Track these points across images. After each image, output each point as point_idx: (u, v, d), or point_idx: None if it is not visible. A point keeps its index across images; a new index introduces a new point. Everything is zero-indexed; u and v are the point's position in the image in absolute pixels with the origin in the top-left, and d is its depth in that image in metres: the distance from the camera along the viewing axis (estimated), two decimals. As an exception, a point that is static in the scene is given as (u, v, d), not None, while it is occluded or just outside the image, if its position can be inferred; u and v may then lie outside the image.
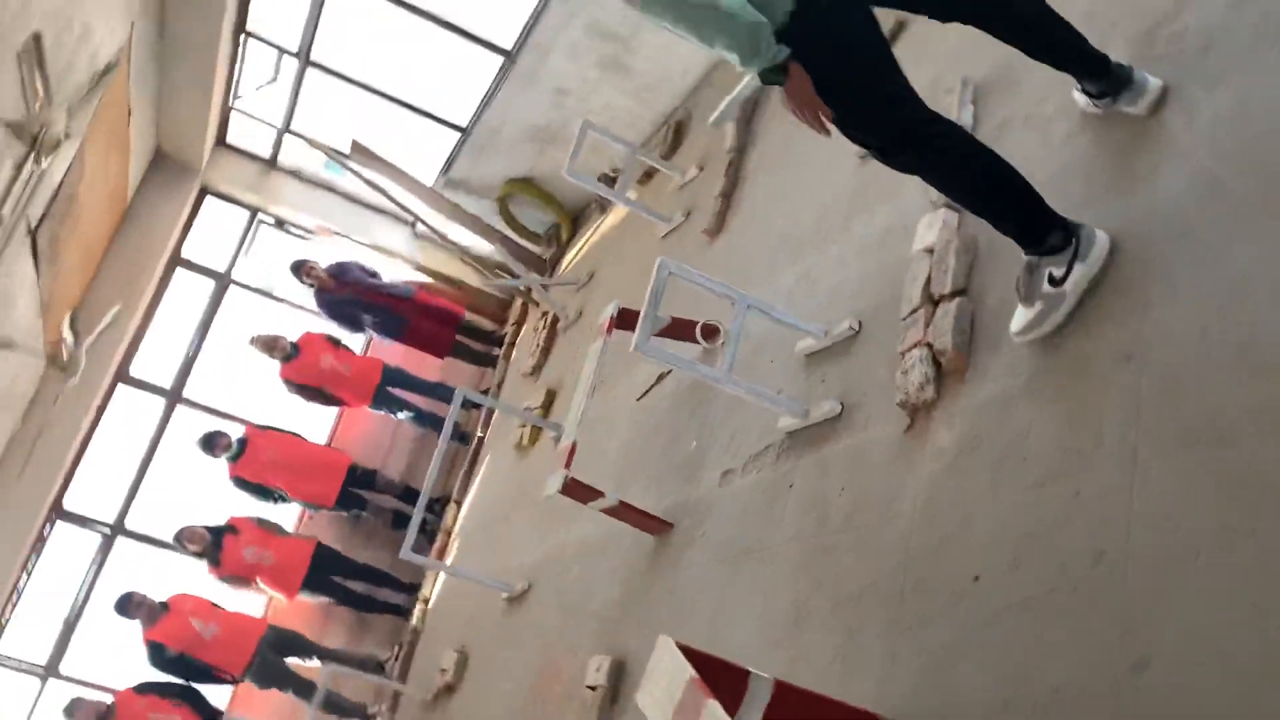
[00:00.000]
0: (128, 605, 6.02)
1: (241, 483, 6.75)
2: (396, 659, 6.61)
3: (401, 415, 7.35)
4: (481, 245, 7.79)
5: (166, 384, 7.56)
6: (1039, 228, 2.14)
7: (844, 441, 2.78)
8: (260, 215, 8.17)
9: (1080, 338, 2.11)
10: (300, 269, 7.25)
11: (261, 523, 6.64)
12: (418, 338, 7.50)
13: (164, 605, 6.10)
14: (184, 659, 6.04)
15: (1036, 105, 2.63)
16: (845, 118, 2.08)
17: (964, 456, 2.27)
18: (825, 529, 2.69)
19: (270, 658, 6.23)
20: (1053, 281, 2.15)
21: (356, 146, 6.96)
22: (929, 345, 2.50)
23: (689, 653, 2.08)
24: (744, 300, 2.99)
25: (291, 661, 6.36)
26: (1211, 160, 2.01)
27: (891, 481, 2.49)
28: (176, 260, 7.75)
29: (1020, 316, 2.23)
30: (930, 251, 2.67)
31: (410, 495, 6.96)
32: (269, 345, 6.99)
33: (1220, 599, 1.58)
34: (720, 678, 1.99)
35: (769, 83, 2.06)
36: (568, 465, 3.61)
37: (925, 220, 2.76)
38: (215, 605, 6.33)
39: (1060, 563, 1.88)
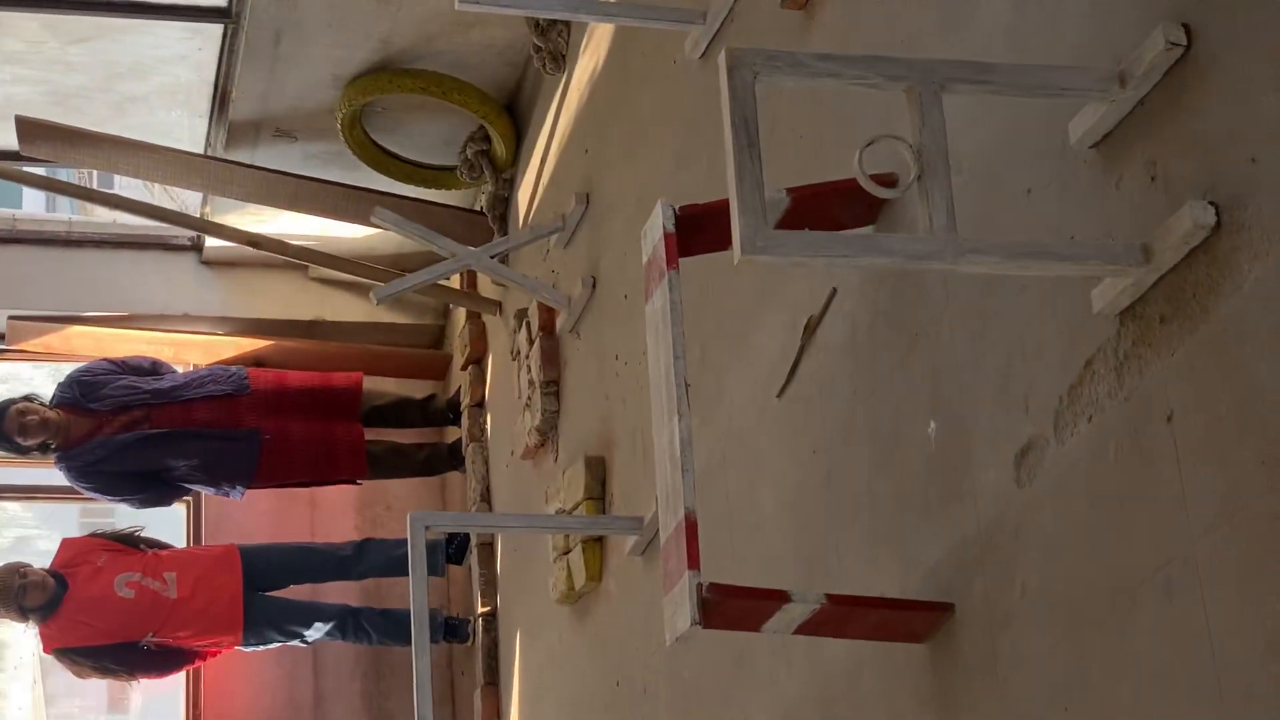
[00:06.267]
0: None
1: None
2: None
3: (313, 635, 7.49)
4: (346, 231, 7.80)
5: None
6: None
7: (1250, 278, 2.69)
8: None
9: None
10: (6, 427, 7.30)
11: None
12: (290, 462, 7.60)
13: None
14: None
15: None
16: None
17: None
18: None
19: None
20: None
21: (26, 126, 6.97)
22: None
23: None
24: (930, 74, 2.92)
25: None
26: None
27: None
28: None
29: None
30: None
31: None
32: (6, 594, 7.11)
33: None
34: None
35: None
36: (693, 562, 3.53)
37: None
38: None
39: None
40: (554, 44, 6.71)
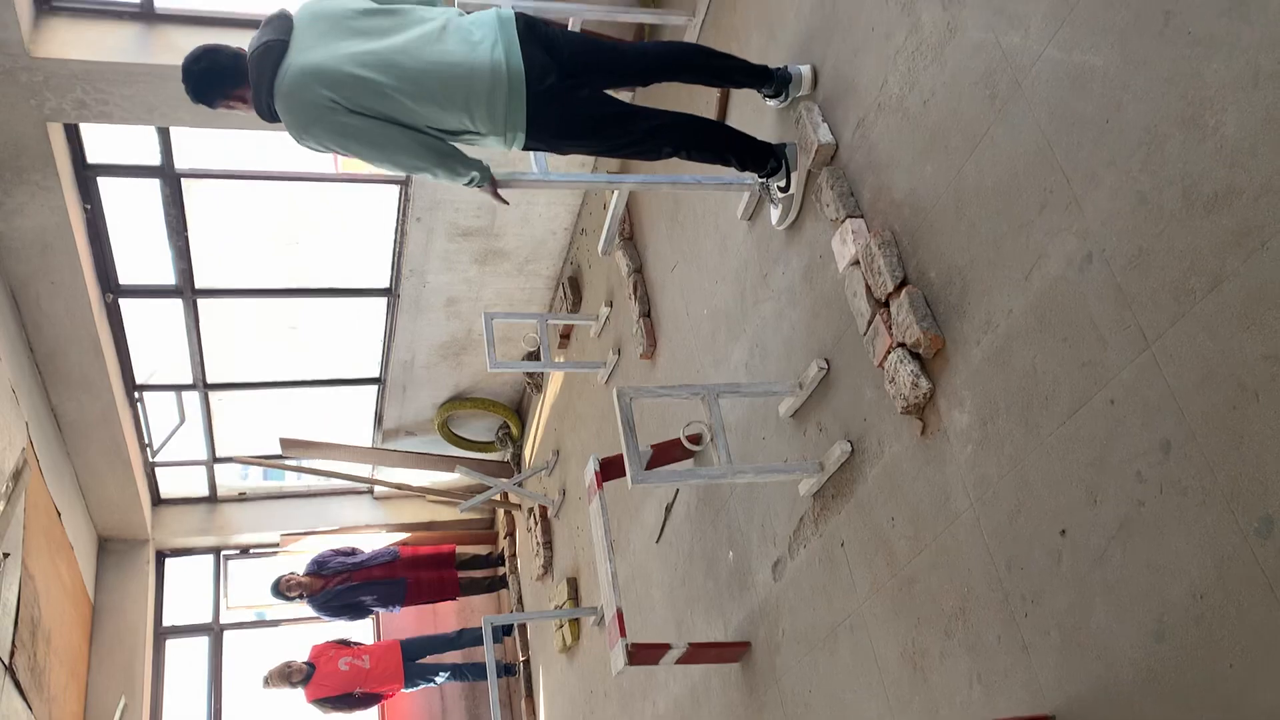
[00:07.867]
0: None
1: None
2: None
3: (440, 679, 7.23)
4: (442, 477, 7.72)
5: (201, 756, 7.19)
6: (760, 159, 3.05)
7: (870, 475, 2.70)
8: (223, 553, 7.97)
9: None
10: (279, 588, 7.11)
11: None
12: (421, 593, 7.38)
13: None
14: None
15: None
16: (610, 153, 2.93)
17: (990, 425, 2.21)
18: (897, 564, 2.58)
19: None
20: (781, 190, 3.11)
21: (285, 443, 6.90)
22: (901, 344, 2.47)
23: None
24: (711, 390, 2.94)
25: None
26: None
27: (935, 486, 2.41)
28: (161, 633, 7.46)
29: (774, 215, 3.19)
30: (857, 263, 2.67)
31: (486, 754, 6.84)
32: (283, 675, 6.85)
33: (1302, 423, 1.52)
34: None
35: (480, 184, 2.84)
36: (623, 633, 3.45)
37: (836, 239, 2.77)
38: None
39: (1135, 472, 1.80)
40: (537, 380, 6.76)
